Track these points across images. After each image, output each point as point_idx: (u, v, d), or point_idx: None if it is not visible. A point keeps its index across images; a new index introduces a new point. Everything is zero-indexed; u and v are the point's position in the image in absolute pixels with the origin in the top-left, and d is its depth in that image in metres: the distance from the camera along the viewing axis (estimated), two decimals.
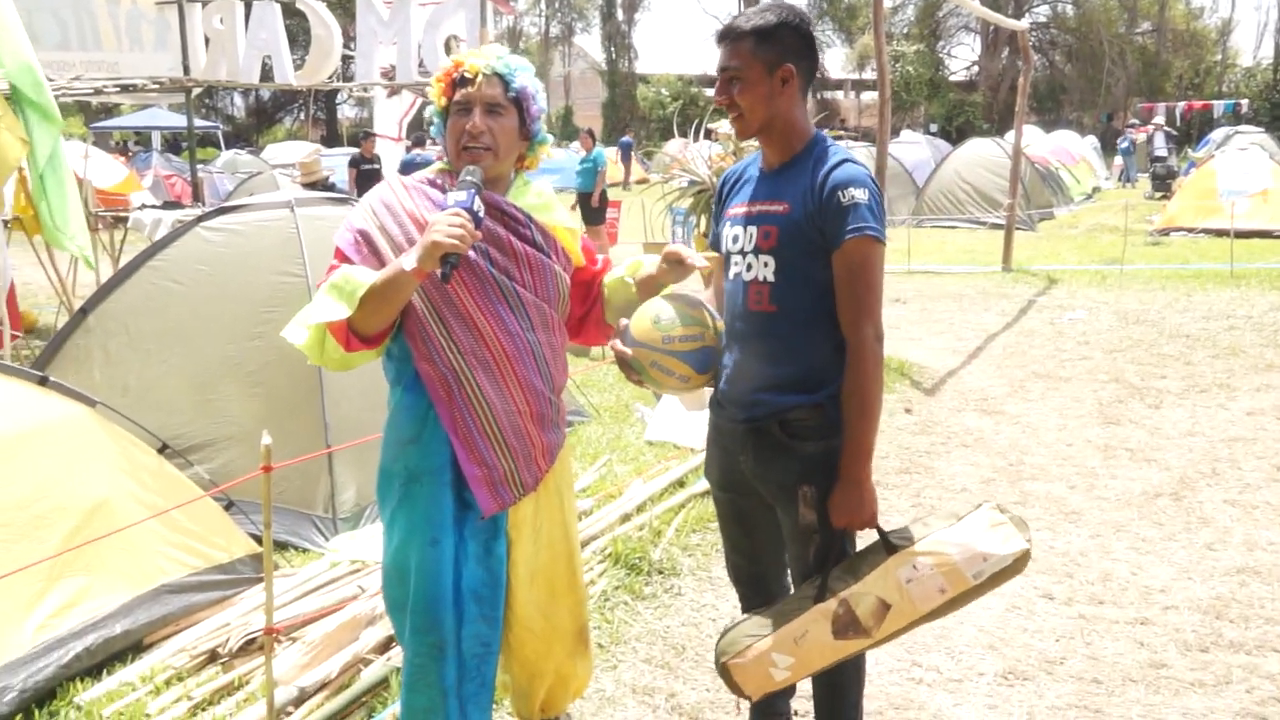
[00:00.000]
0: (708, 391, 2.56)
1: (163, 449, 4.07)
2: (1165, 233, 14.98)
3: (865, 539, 2.41)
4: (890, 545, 2.31)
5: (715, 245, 2.54)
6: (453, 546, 2.34)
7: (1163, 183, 21.07)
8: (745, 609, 2.70)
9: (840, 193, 2.26)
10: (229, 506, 4.16)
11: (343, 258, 2.30)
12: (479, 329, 2.31)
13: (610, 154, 21.54)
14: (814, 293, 2.32)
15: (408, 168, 12.93)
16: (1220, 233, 13.45)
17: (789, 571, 2.59)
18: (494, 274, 2.33)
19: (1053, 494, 4.90)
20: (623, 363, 2.44)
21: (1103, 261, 12.59)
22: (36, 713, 3.00)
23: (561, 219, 2.52)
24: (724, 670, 2.31)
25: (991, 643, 3.49)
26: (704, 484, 4.97)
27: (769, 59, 2.31)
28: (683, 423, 5.81)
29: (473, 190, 2.22)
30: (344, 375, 4.65)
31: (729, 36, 2.35)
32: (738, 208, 2.46)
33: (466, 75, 2.32)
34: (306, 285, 4.73)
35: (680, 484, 5.05)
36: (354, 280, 2.19)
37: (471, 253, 2.25)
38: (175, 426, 4.53)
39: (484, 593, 2.38)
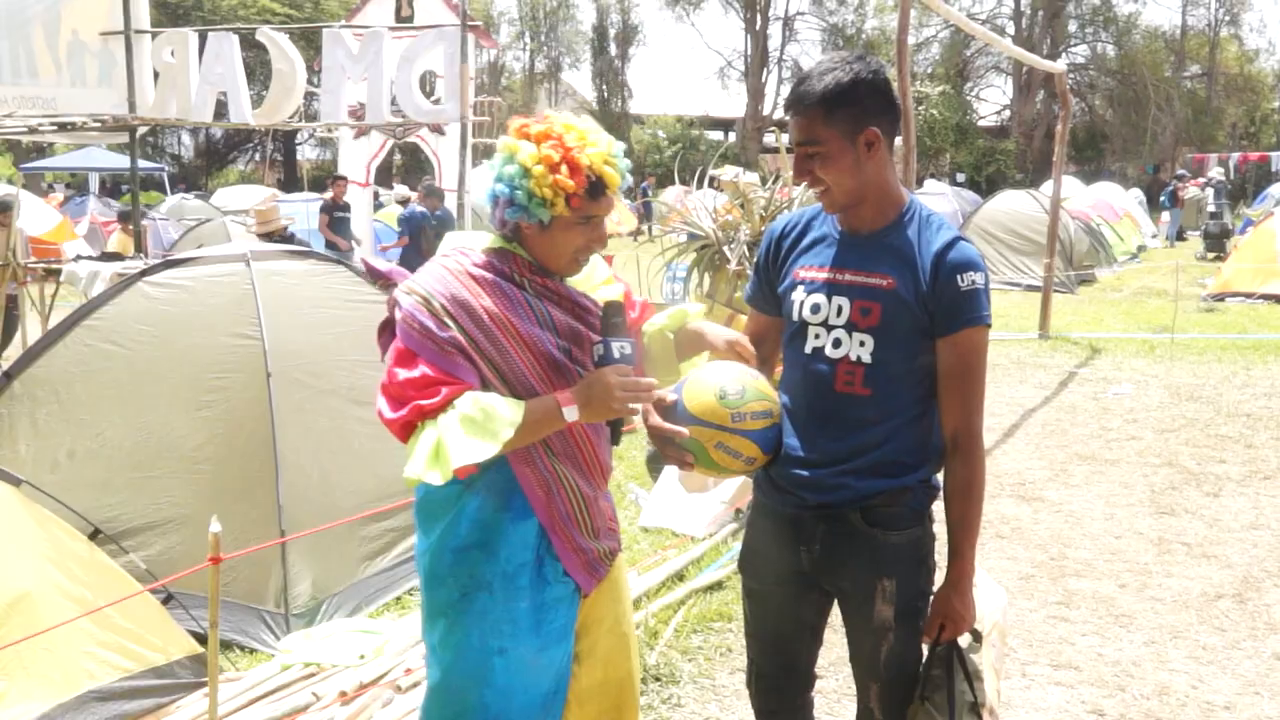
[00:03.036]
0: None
1: (94, 534, 4.05)
2: (1220, 298, 15.14)
3: None
4: (976, 634, 2.50)
5: (760, 306, 2.59)
6: (525, 655, 2.40)
7: (1216, 242, 21.36)
8: None
9: (960, 276, 2.30)
10: (167, 600, 4.13)
11: (440, 373, 2.24)
12: (570, 429, 2.37)
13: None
14: (912, 378, 2.37)
15: (409, 222, 12.91)
16: None
17: (854, 673, 2.58)
18: (577, 370, 2.39)
19: (1101, 593, 4.89)
20: (664, 442, 2.41)
21: (1151, 329, 12.71)
22: None
23: (602, 274, 2.57)
24: None
25: None
26: (706, 579, 4.96)
27: (848, 126, 2.30)
28: (682, 507, 5.81)
29: (632, 340, 2.31)
30: (302, 452, 4.72)
31: (798, 106, 2.33)
32: (815, 271, 2.44)
33: (605, 189, 2.30)
34: (262, 349, 4.76)
35: (680, 578, 5.03)
36: (497, 416, 2.20)
37: (558, 353, 2.35)
38: (109, 508, 4.52)
39: (552, 701, 2.46)
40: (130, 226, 12.86)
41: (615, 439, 2.36)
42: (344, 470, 4.90)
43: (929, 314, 2.32)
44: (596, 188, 2.27)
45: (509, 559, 2.37)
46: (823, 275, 2.42)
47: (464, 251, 2.39)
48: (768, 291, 2.56)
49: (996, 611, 2.56)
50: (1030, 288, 15.38)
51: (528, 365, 2.31)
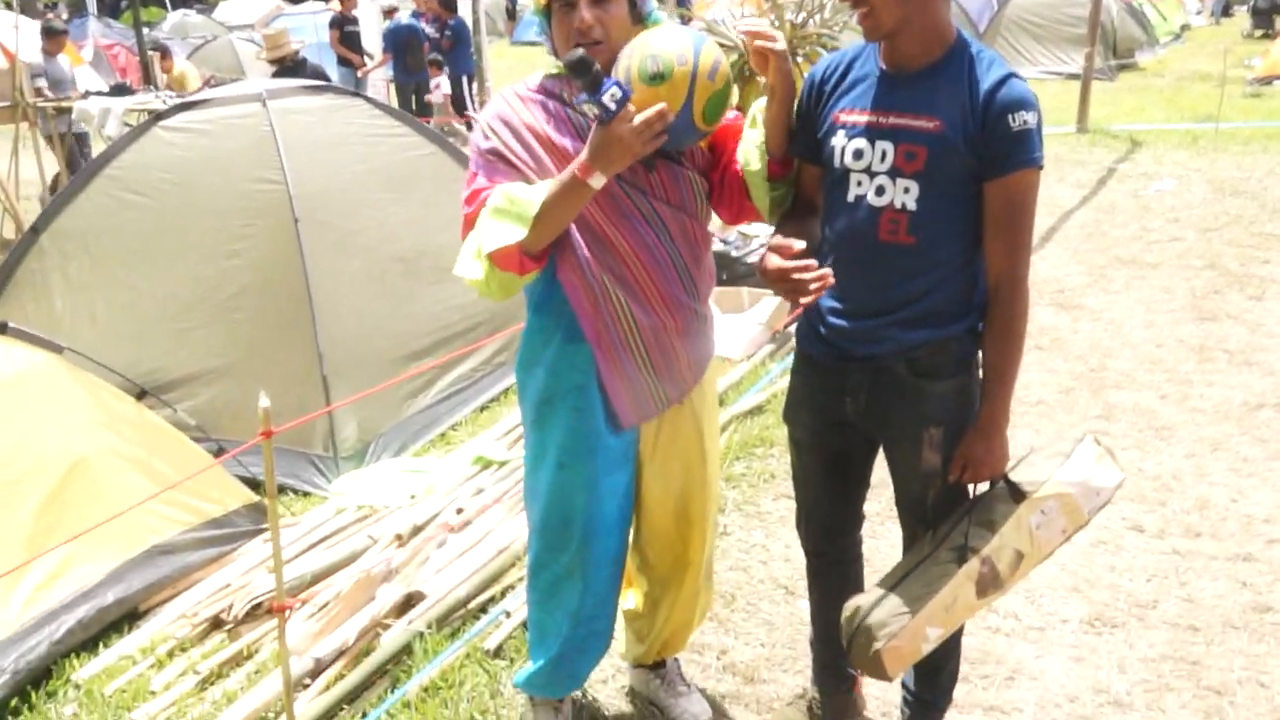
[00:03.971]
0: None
1: (140, 394, 4.12)
2: (1267, 81, 14.61)
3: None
4: (1019, 492, 2.38)
5: (802, 153, 2.45)
6: (581, 472, 2.54)
7: (1265, 18, 20.47)
8: (815, 569, 2.79)
9: (1011, 116, 2.19)
10: (219, 452, 4.23)
11: (482, 179, 2.37)
12: (615, 247, 2.41)
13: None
14: (958, 223, 2.29)
15: (394, 35, 12.63)
16: None
17: (900, 518, 2.62)
18: (624, 189, 2.39)
19: (1141, 405, 4.93)
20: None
21: (1194, 119, 12.33)
22: (33, 694, 3.13)
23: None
24: (875, 657, 2.32)
25: (1076, 584, 3.57)
26: (747, 403, 5.02)
27: None
28: (720, 327, 5.81)
29: (611, 80, 2.14)
30: (337, 296, 4.73)
31: None
32: (856, 114, 2.34)
33: None
34: (287, 193, 4.72)
35: (720, 402, 5.08)
36: (521, 200, 2.25)
37: None
38: (150, 361, 4.59)
39: (612, 523, 2.61)
40: (169, 62, 12.65)
41: (648, 166, 2.34)
42: (379, 311, 4.91)
43: (978, 157, 2.23)
44: None
45: (566, 378, 2.49)
46: (865, 118, 2.31)
47: (530, 80, 2.48)
48: (809, 139, 2.44)
49: (1072, 485, 2.37)
50: (1070, 76, 14.89)
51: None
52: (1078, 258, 7.33)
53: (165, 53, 12.87)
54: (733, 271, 6.19)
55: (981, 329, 2.38)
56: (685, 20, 8.03)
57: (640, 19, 2.40)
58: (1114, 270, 7.01)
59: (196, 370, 4.61)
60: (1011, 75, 2.24)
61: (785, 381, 5.25)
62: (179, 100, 6.01)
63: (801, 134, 2.46)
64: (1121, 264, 7.13)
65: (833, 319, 2.43)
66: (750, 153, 2.41)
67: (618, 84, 2.13)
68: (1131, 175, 9.78)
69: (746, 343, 5.71)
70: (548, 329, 2.50)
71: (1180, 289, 6.54)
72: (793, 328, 6.00)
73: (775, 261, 2.22)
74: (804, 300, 2.20)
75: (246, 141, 4.92)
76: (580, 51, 2.12)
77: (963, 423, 2.39)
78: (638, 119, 2.12)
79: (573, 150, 2.33)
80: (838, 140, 2.35)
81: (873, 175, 2.30)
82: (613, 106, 2.12)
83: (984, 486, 2.44)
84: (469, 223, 2.35)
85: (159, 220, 4.87)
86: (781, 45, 2.28)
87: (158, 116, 5.16)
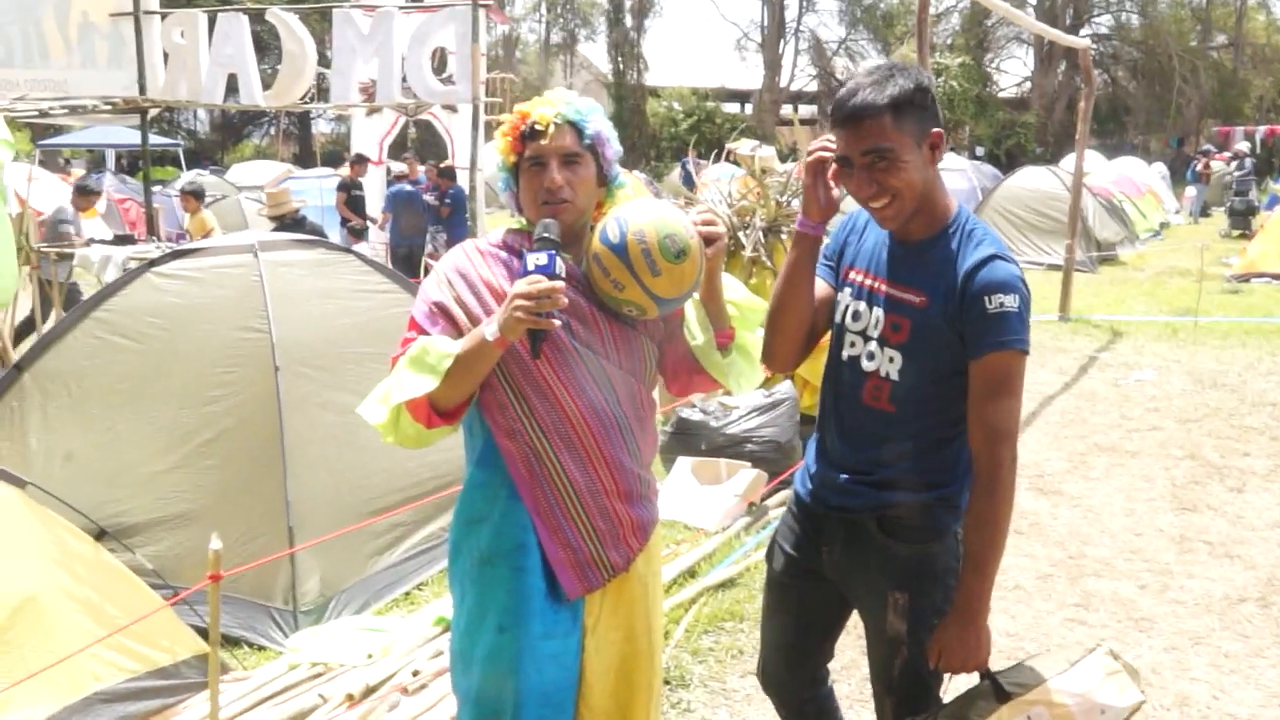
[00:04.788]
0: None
1: (100, 535, 4.04)
2: (1245, 279, 14.96)
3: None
4: (1002, 692, 2.29)
5: (823, 274, 2.52)
6: (523, 637, 2.41)
7: (1242, 219, 21.11)
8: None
9: (988, 298, 2.22)
10: (173, 596, 4.12)
11: (417, 329, 2.39)
12: (562, 405, 2.38)
13: (636, 180, 21.61)
14: (939, 399, 2.32)
15: (393, 199, 13.03)
16: None
17: (871, 682, 2.57)
18: (576, 347, 2.40)
19: (1120, 595, 4.84)
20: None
21: (1174, 312, 12.57)
22: None
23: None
24: None
25: None
26: (718, 575, 4.93)
27: (916, 129, 2.25)
28: (695, 499, 5.77)
29: (552, 252, 2.23)
30: (310, 447, 4.70)
31: (862, 114, 2.23)
32: (861, 275, 2.43)
33: (537, 127, 2.38)
34: (270, 341, 4.74)
35: (691, 574, 5.00)
36: (436, 351, 2.28)
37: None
38: (116, 503, 4.52)
39: (552, 692, 2.45)
40: (193, 201, 12.86)
41: (535, 352, 2.27)
42: (351, 465, 4.87)
43: (959, 335, 2.26)
44: (532, 129, 2.37)
45: (510, 536, 2.42)
46: (868, 281, 2.41)
47: (492, 234, 2.52)
48: (834, 271, 2.54)
49: (1070, 696, 2.27)
50: (1052, 267, 15.24)
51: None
52: (1058, 443, 7.34)
53: (196, 195, 13.23)
54: (711, 442, 6.17)
55: (961, 502, 2.36)
56: (688, 202, 8.26)
57: (605, 182, 2.49)
58: (1094, 457, 7.01)
59: (162, 515, 4.53)
60: (995, 256, 2.27)
61: (760, 554, 5.20)
62: (175, 248, 6.10)
63: (830, 262, 2.54)
64: (1101, 451, 7.14)
65: (817, 466, 2.50)
66: (693, 327, 2.51)
67: (554, 257, 2.22)
68: (1112, 364, 9.90)
69: (722, 514, 5.64)
70: (492, 484, 2.45)
71: (1160, 478, 6.52)
72: (770, 499, 5.97)
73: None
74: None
75: (235, 290, 4.97)
76: (553, 235, 2.26)
77: (930, 593, 2.36)
78: (532, 288, 2.17)
79: None
80: (843, 297, 2.46)
81: (866, 339, 2.39)
82: (530, 266, 2.21)
83: (972, 680, 2.37)
84: (392, 365, 2.35)
85: (143, 364, 4.87)
86: (722, 229, 2.38)
87: (151, 263, 5.23)
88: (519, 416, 2.38)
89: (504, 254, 2.46)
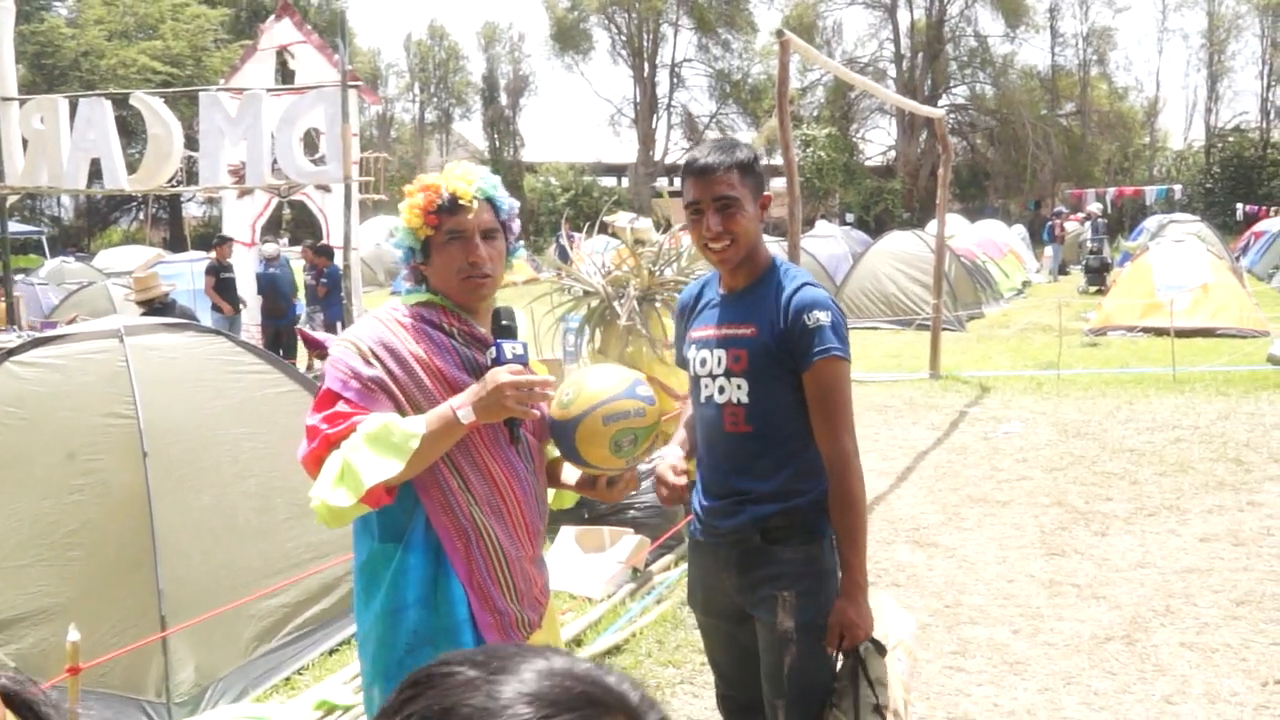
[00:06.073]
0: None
1: None
2: (1102, 332, 15.69)
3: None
4: (881, 647, 2.73)
5: (682, 365, 2.92)
6: None
7: (1097, 275, 22.18)
8: None
9: (805, 315, 2.66)
10: None
11: (352, 405, 2.33)
12: (494, 478, 2.47)
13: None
14: (787, 411, 2.71)
15: (266, 281, 12.92)
16: (1160, 331, 14.15)
17: (764, 696, 2.81)
18: (504, 420, 2.44)
19: (995, 640, 5.00)
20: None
21: (1038, 366, 13.11)
22: None
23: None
24: None
25: None
26: (605, 643, 4.93)
27: (754, 187, 2.75)
28: (579, 567, 5.78)
29: (525, 343, 2.42)
30: (183, 532, 4.59)
31: (717, 168, 2.70)
32: (705, 330, 2.83)
33: (460, 201, 2.43)
34: (137, 427, 4.64)
35: (577, 643, 4.99)
36: (401, 431, 2.26)
37: None
38: None
39: None
40: (227, 248, 12.86)
41: (513, 438, 2.44)
42: (228, 548, 4.77)
43: (789, 353, 2.67)
44: (451, 202, 2.42)
45: (449, 614, 2.43)
46: (708, 333, 2.82)
47: (395, 306, 2.53)
48: (681, 353, 2.95)
49: (904, 632, 2.84)
50: (921, 326, 15.76)
51: None
52: (932, 497, 7.56)
53: (223, 241, 13.24)
54: (593, 510, 6.20)
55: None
56: (559, 272, 8.36)
57: (506, 254, 2.58)
58: (966, 509, 7.23)
59: (25, 611, 4.37)
60: (807, 284, 2.75)
61: (645, 619, 5.22)
62: (34, 336, 5.93)
63: (679, 346, 2.97)
64: (974, 502, 7.38)
65: (702, 500, 2.84)
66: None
67: (524, 344, 2.40)
68: (981, 418, 10.25)
69: (606, 581, 5.66)
70: (428, 566, 2.42)
71: (1030, 526, 6.76)
72: (654, 565, 6.01)
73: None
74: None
75: (100, 376, 4.86)
76: (514, 322, 2.43)
77: (813, 588, 2.70)
78: (520, 378, 2.29)
79: (466, 383, 2.40)
80: (692, 353, 2.85)
81: (714, 378, 2.77)
82: (509, 355, 2.36)
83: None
84: (328, 444, 2.28)
85: (2, 455, 4.71)
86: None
87: (9, 352, 5.08)
88: (458, 490, 2.42)
89: (427, 328, 2.45)
